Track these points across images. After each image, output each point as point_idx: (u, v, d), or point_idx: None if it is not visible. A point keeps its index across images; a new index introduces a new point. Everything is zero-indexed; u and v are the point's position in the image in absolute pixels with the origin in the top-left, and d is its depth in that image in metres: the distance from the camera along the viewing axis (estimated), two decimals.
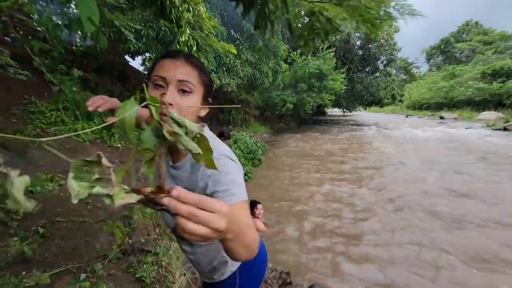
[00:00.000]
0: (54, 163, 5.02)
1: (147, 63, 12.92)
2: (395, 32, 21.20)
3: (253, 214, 3.86)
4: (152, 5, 2.32)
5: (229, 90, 9.19)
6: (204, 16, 2.58)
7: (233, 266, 1.03)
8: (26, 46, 5.49)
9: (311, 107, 15.28)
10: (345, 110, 25.76)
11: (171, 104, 0.69)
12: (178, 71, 0.72)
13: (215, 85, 8.44)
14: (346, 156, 8.86)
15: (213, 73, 8.30)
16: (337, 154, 9.38)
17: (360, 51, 19.79)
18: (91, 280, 1.85)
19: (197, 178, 0.79)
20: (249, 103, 14.11)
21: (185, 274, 2.20)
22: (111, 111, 0.89)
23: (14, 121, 5.98)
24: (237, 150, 7.09)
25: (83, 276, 1.86)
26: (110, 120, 0.84)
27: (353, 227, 4.04)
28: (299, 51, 15.84)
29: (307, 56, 15.40)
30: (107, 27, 5.96)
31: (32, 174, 3.96)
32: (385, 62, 22.32)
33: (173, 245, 2.46)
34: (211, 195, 0.73)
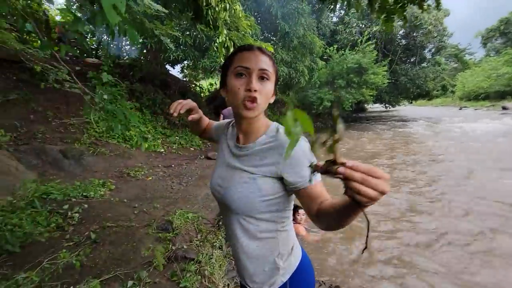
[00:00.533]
0: (106, 169, 5.41)
1: (185, 71, 13.52)
2: (445, 16, 19.13)
3: (294, 219, 3.67)
4: (188, 9, 2.30)
5: None
6: (240, 15, 2.50)
7: (284, 276, 0.93)
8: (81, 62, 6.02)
9: (350, 104, 14.50)
10: (387, 105, 24.01)
11: (256, 90, 0.78)
12: (258, 60, 0.80)
13: None
14: (393, 158, 8.10)
15: None
16: (382, 154, 8.67)
17: (403, 40, 18.23)
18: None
19: (263, 162, 0.83)
20: (285, 103, 13.88)
21: (228, 285, 2.10)
22: (188, 112, 1.02)
23: (72, 131, 6.60)
24: None
25: (130, 283, 1.87)
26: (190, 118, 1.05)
27: (410, 252, 3.21)
28: (335, 46, 15.19)
29: (344, 51, 14.67)
30: (149, 38, 6.30)
31: (87, 180, 4.27)
32: (433, 50, 20.24)
33: (215, 253, 2.39)
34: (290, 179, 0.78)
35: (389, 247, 3.34)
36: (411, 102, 28.62)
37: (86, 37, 14.61)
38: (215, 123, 1.17)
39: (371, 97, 15.41)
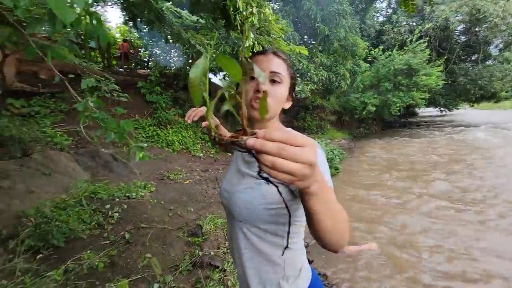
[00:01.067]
0: (149, 171, 5.78)
1: (226, 78, 14.00)
2: None
3: None
4: (219, 16, 2.34)
5: (302, 97, 8.89)
6: (270, 19, 2.45)
7: None
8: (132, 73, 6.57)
9: (397, 108, 13.37)
10: (443, 109, 21.59)
11: (264, 91, 0.68)
12: (270, 63, 0.80)
13: None
14: (452, 171, 7.08)
15: None
16: (436, 166, 7.75)
17: (462, 37, 16.27)
18: None
19: None
20: (325, 108, 13.40)
21: None
22: (201, 119, 1.02)
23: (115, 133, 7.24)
24: None
25: (156, 286, 1.90)
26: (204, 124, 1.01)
27: None
28: (381, 47, 14.26)
29: (392, 52, 13.66)
30: (190, 48, 6.64)
31: (131, 181, 4.59)
32: (501, 46, 17.66)
33: None
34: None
35: None
36: (473, 105, 25.35)
37: (140, 51, 16.11)
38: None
39: (423, 101, 13.97)
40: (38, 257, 2.00)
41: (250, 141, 0.37)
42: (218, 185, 5.16)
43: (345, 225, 0.57)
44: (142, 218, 2.93)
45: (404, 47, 14.15)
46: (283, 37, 2.78)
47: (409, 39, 13.99)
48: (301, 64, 7.66)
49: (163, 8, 2.44)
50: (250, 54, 2.27)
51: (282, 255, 0.80)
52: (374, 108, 13.00)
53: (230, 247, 0.94)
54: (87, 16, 1.23)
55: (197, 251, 2.43)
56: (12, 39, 1.92)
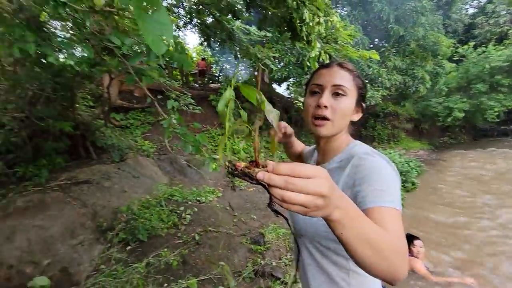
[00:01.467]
0: (217, 178, 6.20)
1: (290, 88, 14.10)
2: None
3: (410, 252, 2.91)
4: (285, 29, 2.38)
5: (372, 104, 8.25)
6: (338, 26, 2.37)
7: None
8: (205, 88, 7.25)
9: (495, 113, 11.08)
10: None
11: (325, 106, 0.74)
12: (333, 76, 0.76)
13: None
14: None
15: None
16: None
17: None
18: None
19: (336, 183, 0.71)
20: (399, 116, 12.08)
21: None
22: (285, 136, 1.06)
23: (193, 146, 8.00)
24: None
25: None
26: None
27: None
28: (472, 43, 12.19)
29: (486, 47, 11.51)
30: (255, 61, 6.98)
31: (201, 186, 4.98)
32: None
33: None
34: (354, 199, 0.66)
35: None
36: None
37: (212, 67, 17.73)
38: (307, 148, 1.13)
39: None
40: (127, 248, 2.35)
41: (260, 174, 0.38)
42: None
43: (394, 253, 0.50)
44: (210, 222, 3.14)
45: (504, 41, 11.75)
46: (351, 43, 2.65)
47: (511, 31, 11.57)
48: (371, 69, 7.14)
49: (233, 27, 2.64)
50: (316, 64, 2.23)
51: (348, 279, 0.75)
52: (462, 114, 11.08)
53: (294, 258, 0.93)
54: (173, 44, 1.44)
55: (259, 259, 2.46)
56: (118, 68, 2.37)
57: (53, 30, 2.14)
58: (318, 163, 0.88)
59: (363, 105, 0.83)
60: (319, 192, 0.37)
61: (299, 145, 1.14)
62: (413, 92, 9.43)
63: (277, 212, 0.45)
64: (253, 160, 0.43)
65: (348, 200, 0.45)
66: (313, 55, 2.05)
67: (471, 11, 16.30)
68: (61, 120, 3.63)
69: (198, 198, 4.18)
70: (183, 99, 4.66)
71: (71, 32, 2.03)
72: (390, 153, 7.22)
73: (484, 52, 11.52)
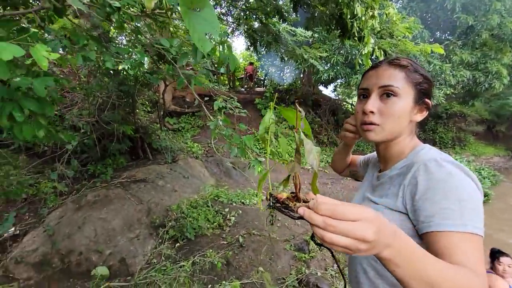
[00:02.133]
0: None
1: (338, 89, 13.52)
2: None
3: (494, 268, 2.49)
4: (334, 27, 2.26)
5: (433, 103, 7.37)
6: (395, 19, 2.14)
7: None
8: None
9: None
10: None
11: (372, 112, 0.68)
12: (380, 77, 0.69)
13: None
14: None
15: None
16: None
17: None
18: None
19: (388, 191, 0.70)
20: (466, 117, 10.59)
21: None
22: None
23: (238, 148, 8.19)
24: None
25: None
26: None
27: None
28: None
29: None
30: (302, 63, 6.86)
31: (245, 188, 5.05)
32: None
33: None
34: (415, 217, 0.59)
35: None
36: None
37: (257, 71, 18.06)
38: (361, 157, 1.05)
39: None
40: (176, 245, 2.48)
41: (300, 210, 0.38)
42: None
43: None
44: (253, 225, 3.14)
45: None
46: (409, 37, 2.38)
47: None
48: (432, 65, 6.38)
49: (279, 29, 2.61)
50: (369, 61, 2.06)
51: None
52: None
53: (348, 275, 0.84)
54: (220, 46, 1.46)
55: (304, 268, 2.35)
56: (169, 73, 2.53)
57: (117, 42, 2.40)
58: (380, 170, 0.81)
59: (429, 102, 0.71)
60: (362, 237, 0.35)
61: (355, 160, 1.07)
62: (486, 89, 8.16)
63: (320, 245, 0.43)
64: (294, 192, 0.42)
65: (402, 237, 0.42)
66: (365, 52, 1.89)
67: None
68: (124, 124, 4.05)
69: (242, 201, 4.23)
70: (229, 103, 4.83)
71: (127, 38, 2.22)
72: (456, 159, 6.34)
73: None
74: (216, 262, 1.79)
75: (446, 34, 7.90)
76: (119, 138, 4.19)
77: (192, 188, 3.93)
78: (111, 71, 3.62)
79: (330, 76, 8.05)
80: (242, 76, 13.64)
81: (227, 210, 3.33)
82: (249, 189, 5.04)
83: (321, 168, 7.54)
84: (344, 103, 11.36)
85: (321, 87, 12.74)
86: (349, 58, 7.42)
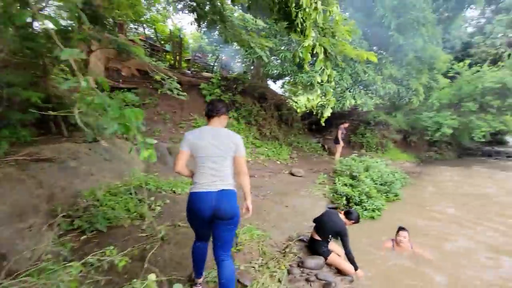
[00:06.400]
0: None
1: (285, 86, 13.92)
2: None
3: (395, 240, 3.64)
4: (276, 13, 2.18)
5: (364, 110, 8.17)
6: (337, 18, 2.18)
7: None
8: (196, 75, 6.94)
9: (483, 133, 11.27)
10: None
11: None
12: None
13: (347, 106, 7.68)
14: None
15: (347, 91, 7.62)
16: None
17: None
18: None
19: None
20: (389, 126, 12.11)
21: None
22: None
23: (181, 133, 7.68)
24: (368, 179, 5.97)
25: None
26: None
27: None
28: (468, 61, 12.31)
29: (481, 67, 11.65)
30: (250, 52, 6.75)
31: (178, 177, 4.74)
32: None
33: (271, 286, 2.08)
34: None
35: None
36: None
37: (207, 56, 17.30)
38: None
39: None
40: (82, 238, 2.12)
41: None
42: (261, 193, 4.99)
43: None
44: (181, 216, 2.93)
45: (499, 63, 11.93)
46: (349, 40, 2.48)
47: (506, 53, 11.75)
48: (367, 75, 7.02)
49: (225, 8, 2.41)
50: (309, 55, 2.04)
51: None
52: (451, 131, 11.21)
53: None
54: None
55: None
56: (94, 36, 2.08)
57: None
58: None
59: None
60: None
61: None
62: (406, 103, 9.44)
63: None
64: None
65: None
66: (306, 45, 1.86)
67: (470, 29, 16.52)
68: (29, 90, 3.31)
69: (173, 189, 3.95)
70: (168, 83, 4.41)
71: None
72: (377, 161, 7.17)
73: (478, 71, 11.66)
74: (117, 262, 1.54)
75: (381, 50, 8.76)
76: (22, 105, 3.43)
77: (115, 173, 3.48)
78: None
79: (279, 72, 8.17)
80: (190, 58, 12.88)
81: (152, 199, 3.03)
82: (184, 177, 4.76)
83: (260, 161, 7.66)
84: (289, 100, 11.76)
85: (270, 82, 12.92)
86: (297, 56, 7.64)
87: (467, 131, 11.85)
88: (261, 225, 3.38)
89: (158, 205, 2.95)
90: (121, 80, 8.26)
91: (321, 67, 1.89)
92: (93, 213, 2.29)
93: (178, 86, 4.41)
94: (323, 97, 8.24)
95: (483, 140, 11.93)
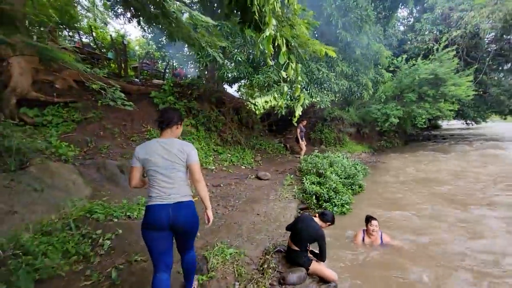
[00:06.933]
0: None
1: (241, 89, 13.74)
2: None
3: (366, 228, 3.68)
4: (233, 9, 1.93)
5: (322, 107, 8.35)
6: (296, 7, 2.00)
7: None
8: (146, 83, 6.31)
9: (423, 120, 12.48)
10: (468, 122, 20.23)
11: None
12: None
13: (305, 104, 7.78)
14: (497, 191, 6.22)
15: (304, 90, 7.70)
16: (478, 186, 6.87)
17: (493, 45, 15.22)
18: None
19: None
20: (344, 120, 12.72)
21: None
22: None
23: (134, 147, 6.94)
24: (333, 174, 6.03)
25: None
26: None
27: None
28: (404, 56, 13.56)
29: (416, 61, 12.91)
30: (202, 55, 6.37)
31: (135, 197, 4.18)
32: None
33: None
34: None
35: None
36: (505, 118, 23.68)
37: (157, 63, 16.32)
38: None
39: (451, 113, 13.00)
40: None
41: None
42: (229, 203, 4.66)
43: None
44: (138, 247, 2.47)
45: (430, 56, 13.36)
46: (307, 33, 2.33)
47: (435, 47, 13.20)
48: (321, 72, 7.16)
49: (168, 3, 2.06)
50: (271, 47, 1.81)
51: None
52: (397, 120, 12.19)
53: None
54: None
55: None
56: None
57: None
58: None
59: None
60: None
61: None
62: (357, 98, 9.93)
63: None
64: None
65: None
66: (267, 34, 1.63)
67: (402, 28, 18.32)
68: None
69: (128, 213, 3.41)
70: (110, 92, 3.85)
71: None
72: (339, 156, 7.35)
73: (414, 65, 12.91)
74: None
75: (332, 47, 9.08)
76: None
77: (49, 205, 2.84)
78: None
79: (234, 75, 7.93)
80: (137, 65, 11.94)
81: (99, 232, 2.50)
82: (140, 197, 4.19)
83: (225, 168, 7.30)
84: (247, 102, 11.60)
85: (226, 86, 12.61)
86: (251, 57, 7.48)
87: (409, 119, 13.01)
88: (234, 241, 3.07)
89: (108, 239, 2.44)
90: (55, 94, 7.18)
91: (285, 61, 1.69)
92: (13, 267, 1.73)
93: (122, 95, 3.89)
94: (281, 97, 8.23)
95: (424, 126, 13.23)
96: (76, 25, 12.49)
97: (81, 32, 12.66)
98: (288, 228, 3.03)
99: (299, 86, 1.94)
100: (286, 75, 1.77)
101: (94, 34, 12.36)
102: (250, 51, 7.32)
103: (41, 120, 6.34)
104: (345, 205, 5.15)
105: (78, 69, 3.11)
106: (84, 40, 12.35)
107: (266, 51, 1.62)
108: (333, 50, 2.38)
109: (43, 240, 2.14)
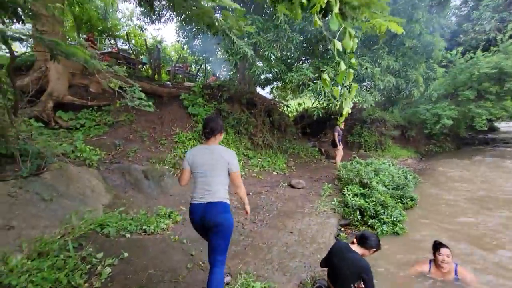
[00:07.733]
0: (181, 193, 4.99)
1: (274, 91, 13.18)
2: None
3: (435, 259, 2.81)
4: None
5: (364, 107, 7.43)
6: None
7: None
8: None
9: (483, 121, 10.72)
10: None
11: None
12: None
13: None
14: None
15: (344, 88, 6.86)
16: None
17: None
18: None
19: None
20: (386, 122, 11.45)
21: None
22: None
23: (162, 150, 6.72)
24: (380, 185, 5.11)
25: None
26: None
27: None
28: (460, 49, 11.87)
29: (474, 53, 11.20)
30: (232, 54, 5.94)
31: (156, 206, 3.80)
32: None
33: None
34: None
35: None
36: None
37: (190, 66, 16.50)
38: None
39: None
40: None
41: None
42: (259, 216, 4.09)
43: None
44: (146, 275, 2.00)
45: (491, 48, 11.51)
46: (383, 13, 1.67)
47: (498, 38, 11.35)
48: (364, 67, 6.28)
49: None
50: (318, 21, 1.20)
51: None
52: (451, 122, 10.61)
53: None
54: None
55: None
56: None
57: None
58: None
59: None
60: None
61: None
62: (406, 96, 8.75)
63: None
64: None
65: None
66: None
67: (454, 19, 16.30)
68: None
69: (145, 227, 3.02)
70: (130, 92, 3.54)
71: None
72: (384, 163, 6.36)
73: (472, 58, 11.20)
74: None
75: (373, 40, 8.10)
76: None
77: (54, 218, 2.53)
78: None
79: (266, 75, 7.39)
80: (170, 69, 12.05)
81: (100, 256, 2.08)
82: (160, 208, 3.82)
83: (255, 174, 6.76)
84: (280, 104, 10.97)
85: (258, 88, 12.18)
86: (285, 53, 6.88)
87: (464, 121, 11.31)
88: (262, 269, 2.48)
89: (109, 265, 2.02)
90: (89, 98, 7.32)
91: (339, 28, 1.11)
92: None
93: (143, 95, 3.55)
94: (317, 98, 7.47)
95: (485, 128, 11.40)
96: (117, 33, 13.10)
97: (121, 39, 13.23)
98: (323, 264, 2.38)
99: (351, 70, 1.32)
100: (343, 47, 1.15)
101: (132, 40, 12.81)
102: (284, 48, 6.72)
103: (75, 123, 6.43)
104: (397, 223, 4.25)
105: (94, 66, 2.80)
106: (124, 47, 12.84)
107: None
108: (398, 26, 1.67)
109: (33, 266, 1.77)
